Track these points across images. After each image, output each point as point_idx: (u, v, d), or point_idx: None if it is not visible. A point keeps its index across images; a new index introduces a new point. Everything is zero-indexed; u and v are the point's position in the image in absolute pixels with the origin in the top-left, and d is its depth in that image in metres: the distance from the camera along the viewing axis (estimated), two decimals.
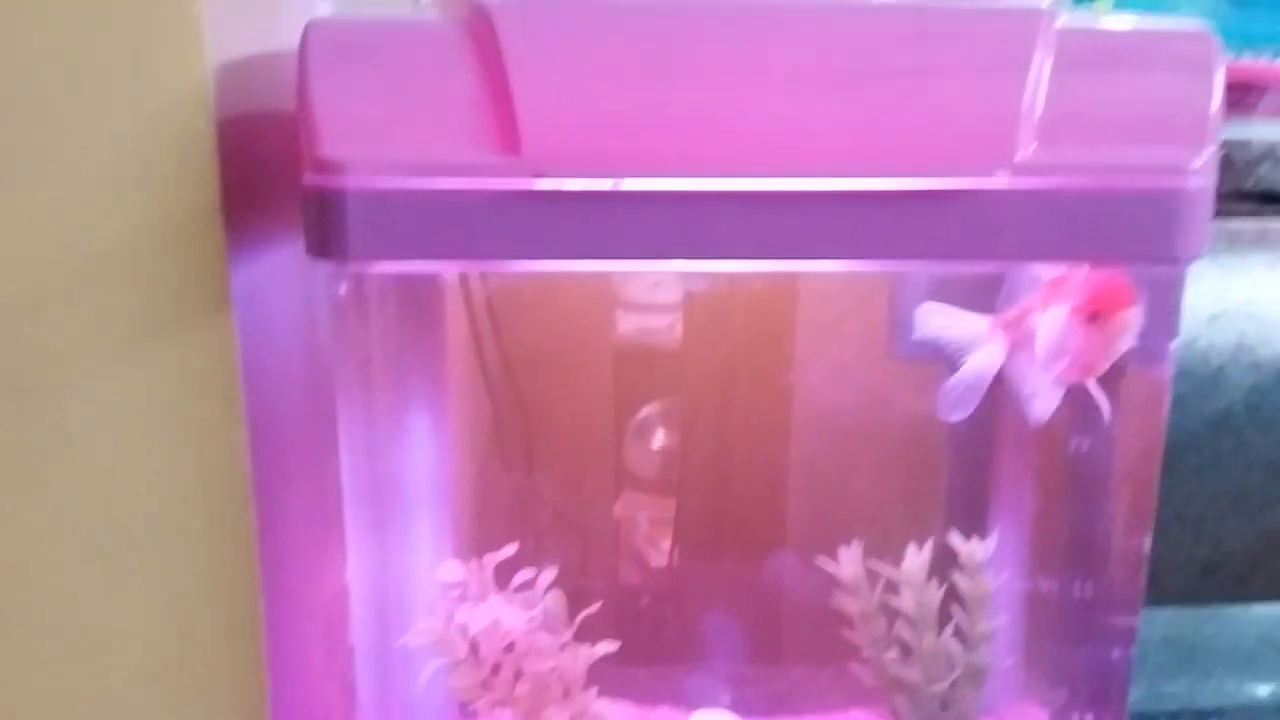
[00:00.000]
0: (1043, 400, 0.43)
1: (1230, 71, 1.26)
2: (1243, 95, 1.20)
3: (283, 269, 0.45)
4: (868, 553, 0.50)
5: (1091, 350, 0.40)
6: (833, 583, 0.50)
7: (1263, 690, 0.72)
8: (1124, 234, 0.37)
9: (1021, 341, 0.42)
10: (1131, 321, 0.39)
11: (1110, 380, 0.45)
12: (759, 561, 0.58)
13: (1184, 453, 1.10)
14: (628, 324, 0.59)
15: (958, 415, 0.42)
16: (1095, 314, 0.39)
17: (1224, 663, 0.76)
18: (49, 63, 0.36)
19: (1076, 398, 0.46)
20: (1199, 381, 1.08)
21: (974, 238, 0.37)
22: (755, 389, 0.59)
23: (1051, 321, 0.40)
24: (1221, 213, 1.06)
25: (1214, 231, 1.09)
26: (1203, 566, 1.11)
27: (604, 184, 0.37)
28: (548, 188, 0.37)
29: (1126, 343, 0.39)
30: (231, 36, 0.40)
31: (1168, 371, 0.43)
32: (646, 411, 0.62)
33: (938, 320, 0.41)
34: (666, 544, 0.62)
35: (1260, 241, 1.01)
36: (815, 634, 0.56)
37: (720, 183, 0.37)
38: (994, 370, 0.43)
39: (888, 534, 0.50)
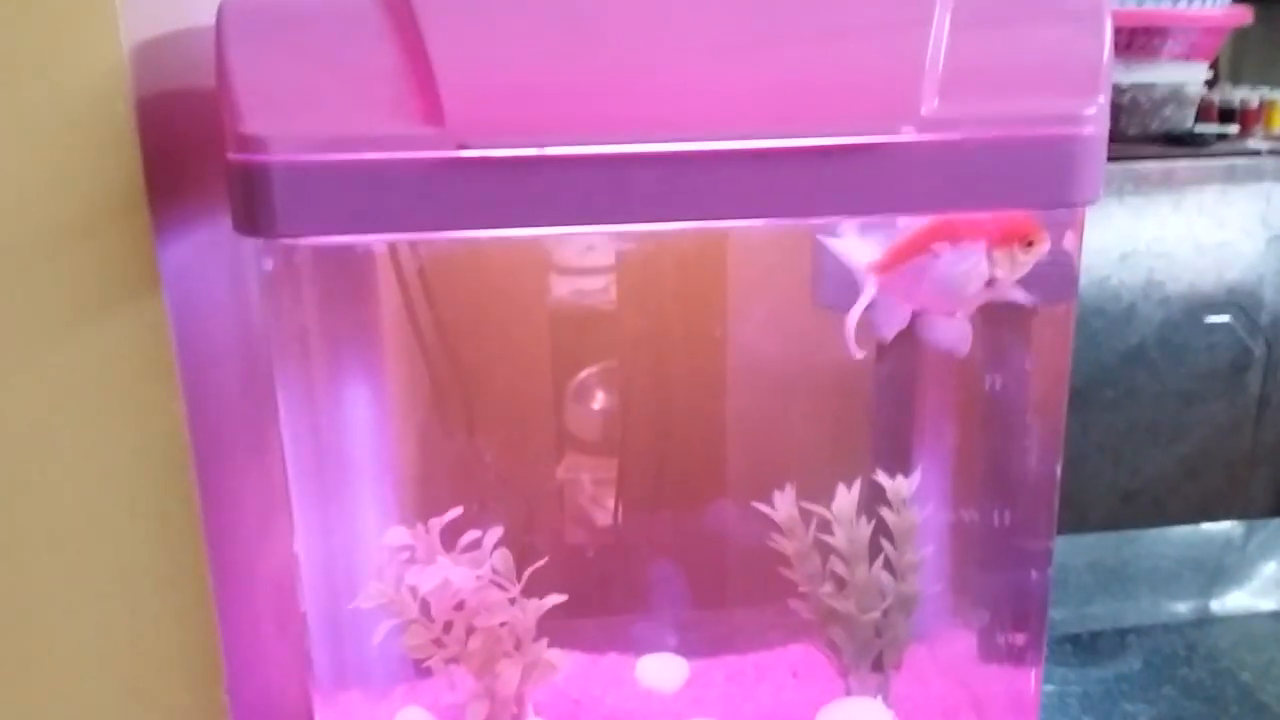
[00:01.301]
0: (961, 335, 0.45)
1: (1135, 17, 1.30)
2: (1147, 39, 1.24)
3: (212, 246, 0.45)
4: (801, 495, 0.52)
5: (1015, 272, 0.42)
6: (769, 525, 0.52)
7: (1182, 607, 0.76)
8: (1025, 181, 0.39)
9: (907, 284, 0.44)
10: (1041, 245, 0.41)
11: (1018, 319, 0.47)
12: (699, 511, 0.60)
13: (1100, 386, 1.15)
14: (562, 288, 0.60)
15: (857, 351, 0.44)
16: (1032, 241, 0.41)
17: (1145, 583, 0.80)
18: None
19: (988, 337, 0.48)
20: (1112, 318, 1.13)
21: (885, 190, 0.39)
22: (689, 345, 0.61)
23: (956, 260, 0.42)
24: (1128, 155, 1.10)
25: (1121, 173, 1.14)
26: (1122, 494, 1.17)
27: (527, 151, 0.38)
28: (472, 156, 0.38)
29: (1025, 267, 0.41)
30: (148, 15, 0.40)
31: (1071, 310, 0.46)
32: (585, 374, 0.63)
33: (840, 243, 0.44)
34: (611, 503, 0.63)
35: (1165, 182, 1.06)
36: (754, 576, 0.58)
37: (639, 146, 0.38)
38: (860, 307, 0.45)
39: (819, 476, 0.53)
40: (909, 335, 0.47)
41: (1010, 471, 0.49)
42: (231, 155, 0.38)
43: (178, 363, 0.41)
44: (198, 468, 0.42)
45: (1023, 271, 0.42)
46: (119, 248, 0.39)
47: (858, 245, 0.44)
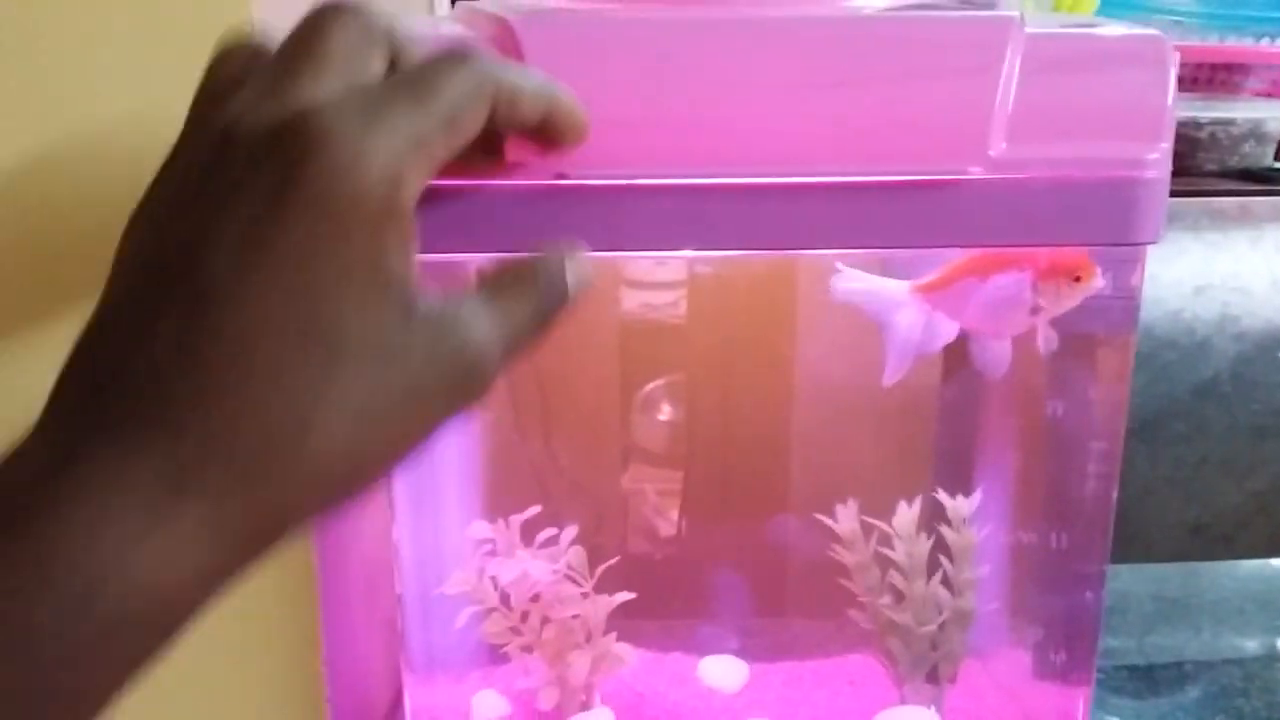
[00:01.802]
0: (998, 360, 0.47)
1: (1217, 53, 1.30)
2: (1229, 75, 1.24)
3: None
4: (863, 510, 0.54)
5: (1061, 306, 0.44)
6: (831, 537, 0.54)
7: (1249, 644, 0.77)
8: (1087, 221, 0.42)
9: (953, 306, 0.46)
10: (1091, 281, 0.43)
11: (1082, 351, 0.49)
12: (762, 522, 0.63)
13: (1172, 419, 1.15)
14: (633, 301, 0.63)
15: (893, 379, 0.47)
16: (1079, 276, 0.43)
17: (1211, 617, 0.80)
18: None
19: (1051, 365, 0.50)
20: (1185, 351, 1.13)
21: (952, 225, 0.41)
22: (757, 361, 0.64)
23: (1007, 287, 0.45)
24: (1205, 191, 1.10)
25: (1198, 208, 1.13)
26: (1191, 528, 1.16)
27: (620, 181, 0.41)
28: (568, 184, 0.41)
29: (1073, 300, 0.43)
30: None
31: (1131, 342, 0.48)
32: (652, 386, 0.66)
33: (852, 284, 0.45)
34: (674, 513, 0.66)
35: (1242, 218, 1.05)
36: (815, 587, 0.60)
37: (723, 179, 0.41)
38: (916, 333, 0.47)
39: (881, 492, 0.55)
40: (971, 361, 0.50)
41: (1067, 496, 0.51)
42: None
43: None
44: None
45: (1069, 304, 0.44)
46: None
47: (875, 279, 0.47)
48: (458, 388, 0.28)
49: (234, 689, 0.48)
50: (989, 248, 0.44)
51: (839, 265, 0.46)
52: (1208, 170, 1.17)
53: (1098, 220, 0.42)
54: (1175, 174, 1.17)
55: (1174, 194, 1.11)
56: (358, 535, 0.53)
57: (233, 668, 0.47)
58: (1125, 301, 0.46)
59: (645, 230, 0.42)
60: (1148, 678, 0.70)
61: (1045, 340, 0.45)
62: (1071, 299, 0.44)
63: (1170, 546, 1.18)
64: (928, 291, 0.46)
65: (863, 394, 0.60)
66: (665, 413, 0.66)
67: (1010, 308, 0.44)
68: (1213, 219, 1.07)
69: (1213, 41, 1.22)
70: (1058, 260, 0.44)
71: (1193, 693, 0.69)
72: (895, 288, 0.46)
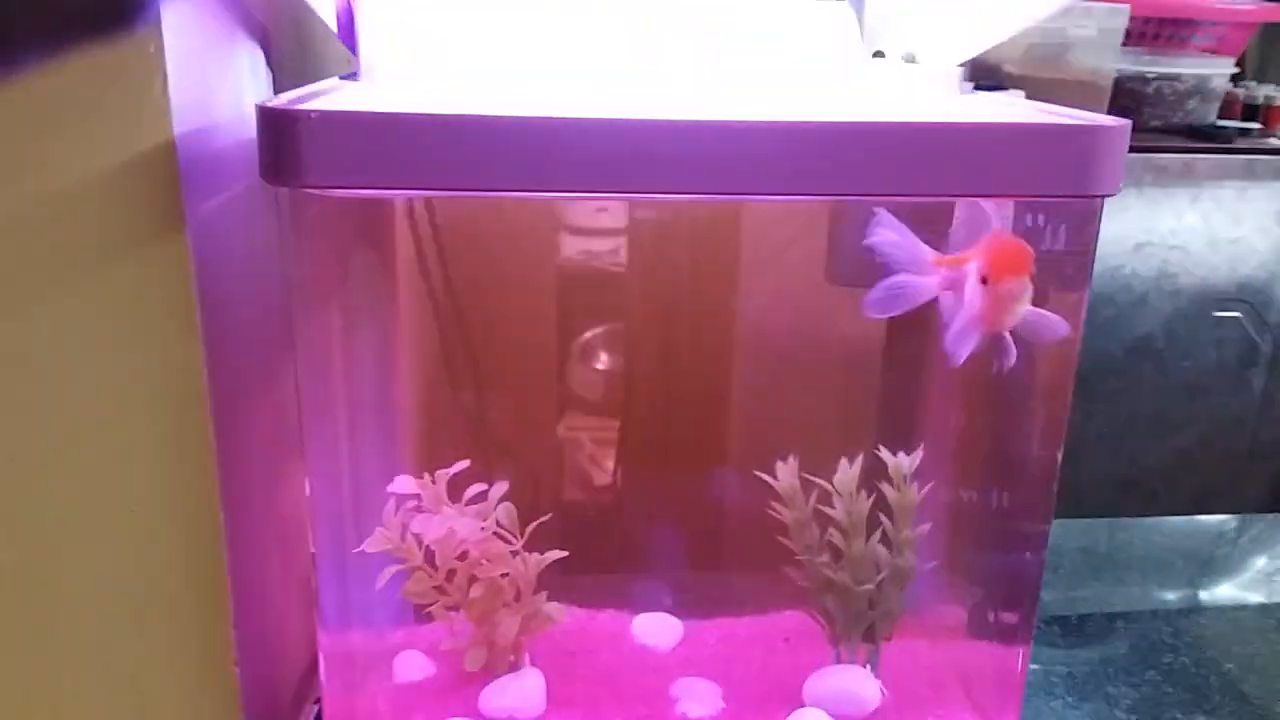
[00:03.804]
0: (961, 343, 0.45)
1: (1164, 7, 1.29)
2: (1176, 30, 1.23)
3: (238, 190, 0.46)
4: (803, 467, 0.52)
5: (987, 309, 0.41)
6: (769, 494, 0.53)
7: (1171, 595, 0.78)
8: (1043, 170, 0.40)
9: (954, 285, 0.44)
10: (1020, 290, 0.40)
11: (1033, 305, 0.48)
12: (700, 476, 0.61)
13: (1106, 375, 1.16)
14: (572, 248, 0.60)
15: (877, 314, 0.44)
16: (985, 277, 0.41)
17: (1136, 570, 0.81)
18: None
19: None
20: (1122, 307, 1.13)
21: (911, 172, 0.39)
22: (698, 312, 0.61)
23: (971, 277, 0.42)
24: (1149, 147, 1.10)
25: (1141, 164, 1.13)
26: (1120, 483, 1.18)
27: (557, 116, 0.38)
28: (503, 117, 0.38)
29: (1017, 309, 0.41)
30: None
31: (1083, 300, 0.46)
32: (590, 335, 0.64)
33: (890, 233, 0.43)
34: (609, 462, 0.64)
35: (1185, 175, 1.06)
36: (752, 543, 0.59)
37: (669, 118, 0.38)
38: (923, 298, 0.45)
39: (822, 449, 0.53)
40: (916, 315, 0.48)
41: (1011, 455, 0.50)
42: (261, 104, 0.39)
43: (197, 303, 0.42)
44: (214, 408, 0.43)
45: (994, 306, 0.41)
46: (146, 191, 0.40)
47: (911, 236, 0.44)
48: None
49: (137, 654, 0.45)
50: (943, 196, 0.42)
51: (876, 210, 0.43)
52: (1152, 126, 1.17)
53: (1054, 170, 0.40)
54: None
55: None
56: (269, 490, 0.50)
57: (134, 634, 0.44)
58: (1079, 257, 0.44)
59: (584, 171, 0.39)
60: (1079, 631, 0.70)
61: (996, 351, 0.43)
62: (992, 303, 0.41)
63: (1099, 501, 1.20)
64: (942, 264, 0.44)
65: (806, 349, 0.58)
66: (603, 362, 0.64)
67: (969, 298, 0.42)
68: (1156, 175, 1.07)
69: None
70: (987, 255, 0.41)
71: (1120, 647, 0.69)
72: (925, 252, 0.44)
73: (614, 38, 0.54)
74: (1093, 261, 0.45)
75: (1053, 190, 0.41)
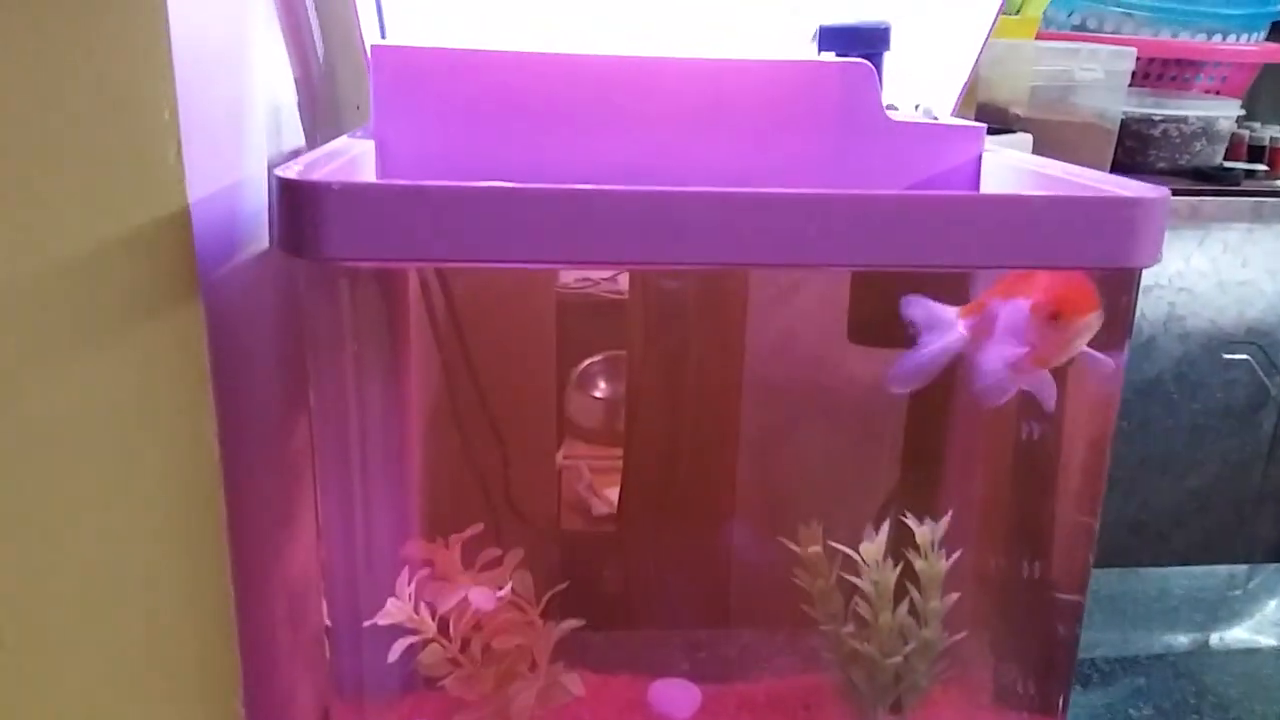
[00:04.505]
0: (997, 387, 0.44)
1: (1168, 48, 1.29)
2: (1180, 71, 1.24)
3: (251, 254, 0.45)
4: (823, 521, 0.51)
5: (1048, 346, 0.41)
6: (790, 557, 0.51)
7: (1182, 639, 0.77)
8: (1082, 241, 0.39)
9: (980, 329, 0.44)
10: (1093, 325, 0.40)
11: (1062, 370, 0.47)
12: (719, 537, 0.60)
13: (1116, 418, 1.15)
14: (569, 274, 0.59)
15: (903, 389, 0.44)
16: (1057, 314, 0.40)
17: (1148, 615, 0.80)
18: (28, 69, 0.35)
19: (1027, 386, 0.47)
20: (1131, 350, 1.12)
21: (950, 243, 0.38)
22: (716, 369, 0.60)
23: (1013, 314, 0.42)
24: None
25: None
26: (1130, 525, 1.17)
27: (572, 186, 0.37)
28: (521, 188, 0.37)
29: (1082, 344, 0.40)
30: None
31: (1120, 366, 0.45)
32: (589, 362, 0.63)
33: (918, 310, 0.43)
34: (625, 523, 0.63)
35: (1192, 217, 1.05)
36: (770, 603, 0.57)
37: (694, 189, 0.37)
38: (950, 354, 0.44)
39: (845, 512, 0.52)
40: (943, 377, 0.47)
41: (1044, 523, 0.49)
42: (279, 174, 0.37)
43: (209, 372, 0.40)
44: (225, 476, 0.42)
45: (1056, 347, 0.41)
46: (161, 259, 0.39)
47: (936, 306, 0.44)
48: None
49: None
50: (981, 266, 0.41)
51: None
52: (1159, 168, 1.16)
53: (1095, 242, 0.39)
54: (1127, 170, 1.17)
55: None
56: (279, 559, 0.48)
57: (142, 707, 0.43)
58: (1117, 325, 0.43)
59: (603, 240, 0.38)
60: (1081, 673, 0.70)
61: (1035, 383, 0.42)
62: (1057, 340, 0.41)
63: (1110, 543, 1.18)
64: (965, 315, 0.43)
65: (824, 398, 0.57)
66: (602, 389, 0.63)
67: (1011, 335, 0.41)
68: None
69: (1165, 37, 1.21)
70: (1053, 292, 0.41)
71: (1125, 686, 0.68)
72: (947, 311, 0.43)
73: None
74: (1130, 330, 0.44)
75: (1092, 261, 0.40)
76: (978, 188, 0.55)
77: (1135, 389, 1.09)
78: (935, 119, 0.61)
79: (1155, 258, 0.40)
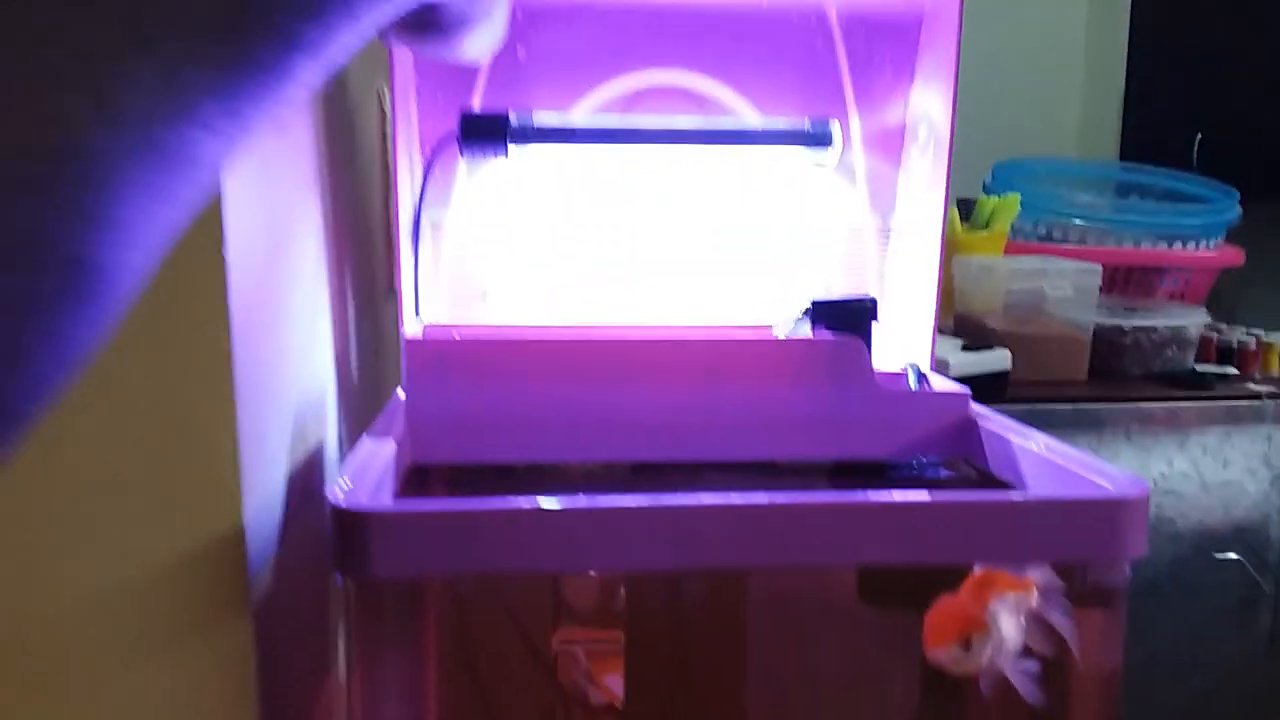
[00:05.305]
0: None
1: (1131, 256, 1.36)
2: (1144, 277, 1.31)
3: (301, 569, 0.47)
4: None
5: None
6: None
7: None
8: (1071, 537, 0.42)
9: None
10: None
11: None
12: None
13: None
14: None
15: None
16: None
17: None
18: None
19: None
20: None
21: (945, 544, 0.41)
22: (724, 638, 0.62)
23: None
24: (1133, 396, 1.13)
25: (1127, 414, 1.16)
26: None
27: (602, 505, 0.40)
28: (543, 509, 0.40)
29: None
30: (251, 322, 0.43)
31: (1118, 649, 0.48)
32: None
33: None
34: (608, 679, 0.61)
35: (1170, 422, 1.10)
36: None
37: (702, 498, 0.40)
38: None
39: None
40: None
41: None
42: (333, 501, 0.41)
43: (256, 686, 0.42)
44: None
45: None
46: (213, 581, 0.41)
47: None
48: None
49: None
50: (983, 561, 0.44)
51: None
52: (1133, 375, 1.22)
53: (1087, 538, 0.42)
54: (1102, 378, 1.20)
55: (1104, 400, 1.14)
56: None
57: None
58: (1111, 611, 0.46)
59: (633, 549, 0.41)
60: None
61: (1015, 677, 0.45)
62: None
63: None
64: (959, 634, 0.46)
65: (840, 672, 0.59)
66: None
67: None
68: (1142, 424, 1.11)
69: (1128, 245, 1.29)
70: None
71: None
72: None
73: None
74: (1125, 618, 0.47)
75: (1087, 554, 0.43)
76: (967, 450, 0.59)
77: (1133, 592, 1.11)
78: (924, 376, 0.65)
79: (1140, 550, 0.43)
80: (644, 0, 0.65)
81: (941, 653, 0.44)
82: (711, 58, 0.66)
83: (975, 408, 0.60)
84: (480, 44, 0.31)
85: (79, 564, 0.40)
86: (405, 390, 0.57)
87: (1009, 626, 0.45)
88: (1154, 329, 1.14)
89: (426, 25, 0.26)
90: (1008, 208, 1.25)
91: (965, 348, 1.05)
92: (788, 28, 0.67)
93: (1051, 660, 0.51)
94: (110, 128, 0.16)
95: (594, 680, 0.62)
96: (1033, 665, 0.46)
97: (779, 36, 0.67)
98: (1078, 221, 1.31)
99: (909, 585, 0.50)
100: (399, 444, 0.53)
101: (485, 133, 0.58)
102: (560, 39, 0.63)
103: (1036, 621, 0.47)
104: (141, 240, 0.17)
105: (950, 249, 1.09)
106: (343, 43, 0.21)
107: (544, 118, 0.62)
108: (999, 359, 1.04)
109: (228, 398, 0.41)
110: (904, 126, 0.68)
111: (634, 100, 0.66)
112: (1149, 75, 1.83)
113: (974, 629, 0.44)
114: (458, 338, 0.63)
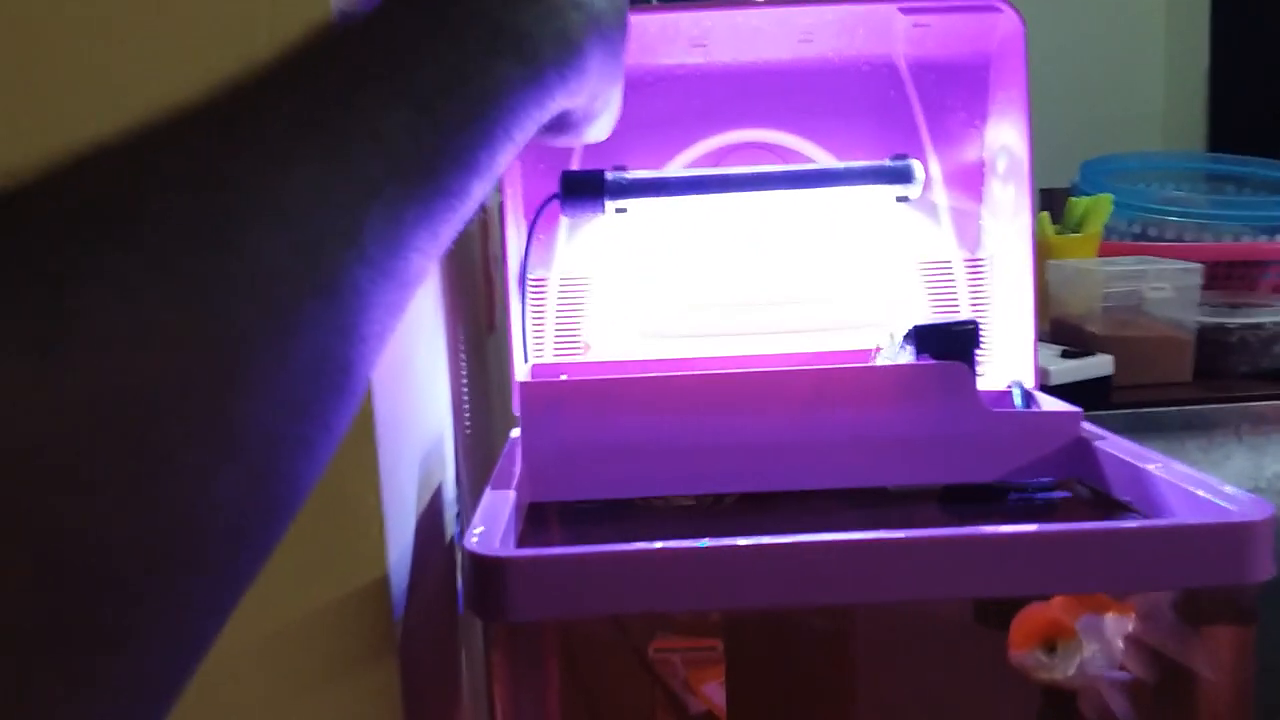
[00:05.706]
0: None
1: (1233, 251, 1.33)
2: (1246, 271, 1.27)
3: (440, 614, 0.50)
4: None
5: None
6: None
7: None
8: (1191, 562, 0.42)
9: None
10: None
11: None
12: None
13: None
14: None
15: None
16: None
17: None
18: None
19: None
20: None
21: (1067, 573, 0.42)
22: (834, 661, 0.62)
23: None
24: (1242, 396, 1.10)
25: (1238, 413, 1.13)
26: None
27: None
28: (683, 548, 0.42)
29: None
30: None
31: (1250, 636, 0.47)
32: None
33: None
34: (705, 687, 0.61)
35: None
36: None
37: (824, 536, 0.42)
38: None
39: None
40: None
41: None
42: (468, 548, 0.43)
43: (401, 709, 0.45)
44: None
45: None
46: (361, 626, 0.44)
47: None
48: None
49: None
50: (1111, 590, 0.45)
51: None
52: (1241, 373, 1.19)
53: (1211, 563, 0.42)
54: (1208, 378, 1.18)
55: (1212, 401, 1.11)
56: None
57: None
58: (1241, 631, 0.46)
59: (768, 590, 0.42)
60: None
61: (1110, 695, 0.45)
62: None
63: None
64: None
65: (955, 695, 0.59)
66: None
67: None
68: (1253, 424, 1.08)
69: (1227, 240, 1.26)
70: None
71: None
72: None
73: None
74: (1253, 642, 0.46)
75: (1210, 580, 0.43)
76: (1080, 470, 0.59)
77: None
78: (1030, 395, 0.65)
79: (1269, 572, 0.43)
80: (723, 64, 0.67)
81: (1024, 655, 0.45)
82: (790, 113, 0.69)
83: (1087, 427, 0.60)
84: (600, 132, 0.34)
85: (243, 616, 0.43)
86: (522, 432, 0.59)
87: (1101, 642, 0.45)
88: (1261, 325, 1.11)
89: (557, 127, 0.29)
90: (1100, 208, 1.23)
91: (1065, 354, 1.03)
92: (860, 79, 0.69)
93: (1179, 680, 0.51)
94: (363, 265, 0.19)
95: (692, 689, 0.63)
96: (1123, 676, 0.46)
97: (852, 88, 0.69)
98: (1173, 218, 1.28)
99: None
100: (519, 485, 0.55)
101: (584, 189, 0.61)
102: (646, 106, 0.65)
103: (1136, 645, 0.47)
104: (380, 347, 0.21)
105: (1042, 253, 1.08)
106: (504, 161, 0.24)
107: (637, 174, 0.64)
108: (1101, 364, 1.03)
109: (371, 455, 0.43)
110: (982, 162, 0.69)
111: (718, 158, 0.68)
112: (1233, 60, 1.78)
113: (1060, 635, 0.45)
114: (565, 379, 0.65)
